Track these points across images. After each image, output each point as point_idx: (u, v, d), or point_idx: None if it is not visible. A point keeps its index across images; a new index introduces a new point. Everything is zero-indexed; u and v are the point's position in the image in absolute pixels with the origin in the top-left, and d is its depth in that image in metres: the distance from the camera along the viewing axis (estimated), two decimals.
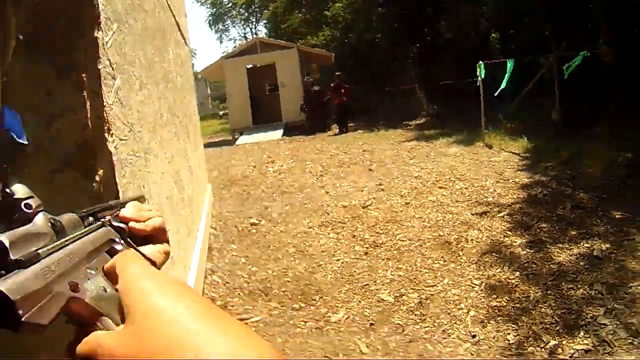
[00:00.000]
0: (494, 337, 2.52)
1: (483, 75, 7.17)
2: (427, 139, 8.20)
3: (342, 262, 3.66)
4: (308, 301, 3.10)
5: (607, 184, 4.71)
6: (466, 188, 5.13)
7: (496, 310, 2.78)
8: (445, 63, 11.40)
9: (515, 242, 3.73)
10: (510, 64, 7.16)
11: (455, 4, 11.59)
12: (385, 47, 13.81)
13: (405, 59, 13.78)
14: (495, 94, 7.09)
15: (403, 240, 3.97)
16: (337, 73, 11.78)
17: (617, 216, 3.91)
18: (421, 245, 3.84)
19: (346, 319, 2.87)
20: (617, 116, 6.84)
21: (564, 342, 2.40)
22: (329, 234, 4.20)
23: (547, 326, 2.56)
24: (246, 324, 2.64)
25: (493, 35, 11.87)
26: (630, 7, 7.66)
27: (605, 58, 8.43)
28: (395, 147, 7.73)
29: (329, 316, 2.88)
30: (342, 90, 11.23)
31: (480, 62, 7.25)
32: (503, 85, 6.93)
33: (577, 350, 2.32)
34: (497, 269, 3.30)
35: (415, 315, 2.87)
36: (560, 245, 3.58)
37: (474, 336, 2.55)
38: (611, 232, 3.64)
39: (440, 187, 5.25)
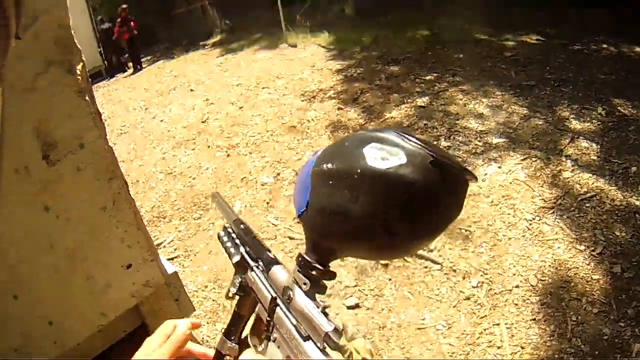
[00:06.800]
0: None
1: None
2: (232, 51, 8.11)
3: (212, 169, 3.77)
4: (203, 208, 3.18)
5: (411, 56, 5.57)
6: (287, 83, 5.45)
7: None
8: None
9: (349, 112, 4.31)
10: None
11: None
12: None
13: None
14: None
15: (254, 136, 4.21)
16: (122, 6, 10.25)
17: (427, 78, 4.80)
18: (272, 135, 4.14)
19: (245, 207, 3.07)
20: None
21: None
22: (185, 152, 4.17)
23: None
24: (163, 247, 2.64)
25: None
26: None
27: None
28: (204, 66, 7.52)
29: None
30: (132, 24, 10.04)
31: None
32: None
33: None
34: (345, 135, 3.83)
35: None
36: (388, 105, 4.31)
37: None
38: (426, 89, 4.50)
39: (264, 87, 5.49)
